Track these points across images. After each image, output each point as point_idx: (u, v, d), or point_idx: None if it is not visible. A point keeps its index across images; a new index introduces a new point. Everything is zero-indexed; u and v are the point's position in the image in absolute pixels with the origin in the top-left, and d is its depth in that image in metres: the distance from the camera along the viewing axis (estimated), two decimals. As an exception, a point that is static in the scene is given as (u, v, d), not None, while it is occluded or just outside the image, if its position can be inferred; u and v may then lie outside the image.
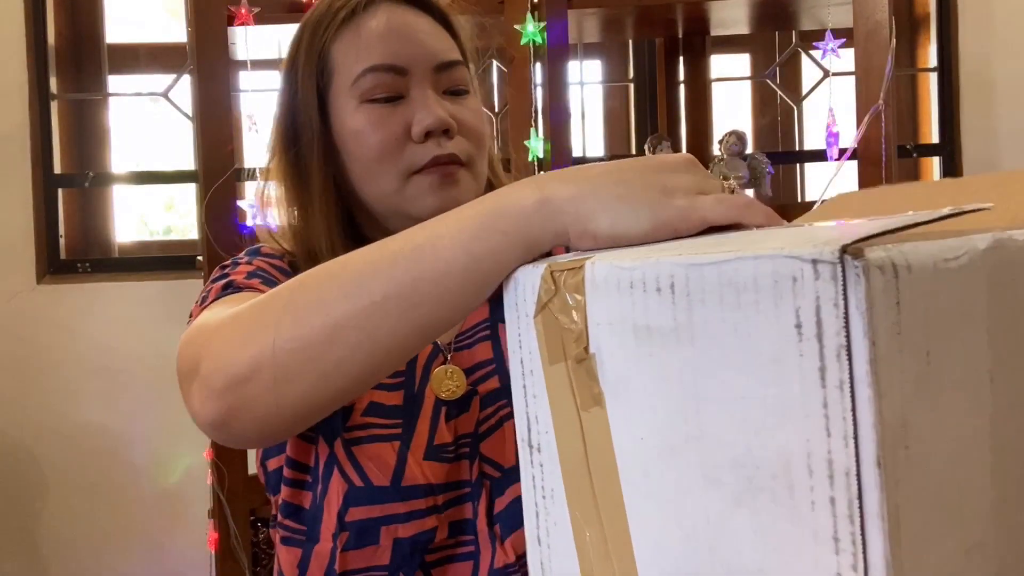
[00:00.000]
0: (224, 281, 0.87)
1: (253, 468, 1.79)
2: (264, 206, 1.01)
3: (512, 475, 0.90)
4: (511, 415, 0.90)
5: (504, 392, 0.93)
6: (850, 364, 0.34)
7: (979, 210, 0.41)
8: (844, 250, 0.34)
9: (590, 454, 0.48)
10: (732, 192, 0.56)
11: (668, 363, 0.42)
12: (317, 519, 0.87)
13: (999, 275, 0.39)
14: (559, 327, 0.48)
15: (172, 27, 2.68)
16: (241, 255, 0.95)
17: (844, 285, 0.34)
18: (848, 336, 0.34)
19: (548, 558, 0.52)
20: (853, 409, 0.34)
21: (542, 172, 2.01)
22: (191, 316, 0.86)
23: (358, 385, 0.66)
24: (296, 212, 0.96)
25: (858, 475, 0.34)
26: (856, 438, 0.34)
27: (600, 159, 2.61)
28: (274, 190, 0.99)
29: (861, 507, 0.34)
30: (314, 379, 0.64)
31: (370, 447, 0.87)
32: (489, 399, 0.92)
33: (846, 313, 0.34)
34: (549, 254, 0.59)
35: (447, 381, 0.91)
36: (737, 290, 0.38)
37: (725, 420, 0.39)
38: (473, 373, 0.93)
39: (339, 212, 0.94)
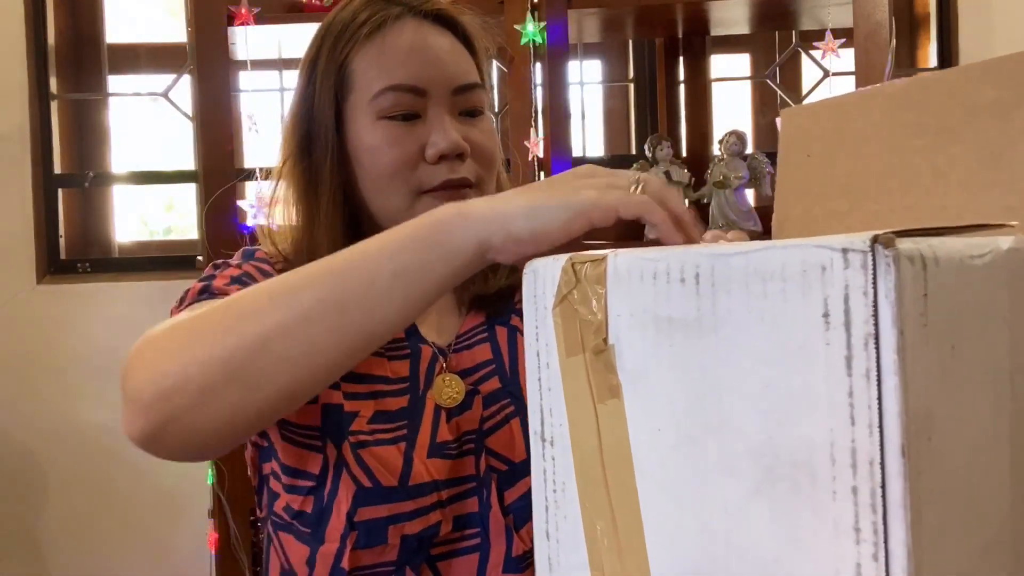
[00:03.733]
0: (203, 284, 0.87)
1: (255, 468, 1.79)
2: (271, 204, 1.01)
3: (523, 469, 0.92)
4: (516, 413, 0.93)
5: (505, 392, 0.95)
6: (877, 353, 0.34)
7: (1003, 226, 0.42)
8: (875, 239, 0.34)
9: (604, 446, 0.48)
10: (639, 184, 0.62)
11: (689, 353, 0.42)
12: (322, 522, 0.88)
13: (1019, 277, 0.40)
14: (578, 319, 0.49)
15: (172, 27, 2.67)
16: (235, 256, 0.95)
17: (874, 274, 0.34)
18: (876, 325, 0.34)
19: (556, 552, 0.52)
20: (879, 398, 0.34)
21: (541, 173, 2.02)
22: (171, 315, 0.86)
23: (284, 399, 0.68)
24: (301, 217, 0.96)
25: (882, 464, 0.34)
26: (881, 427, 0.34)
27: (600, 159, 2.61)
28: (281, 190, 0.99)
29: (884, 496, 0.34)
30: (241, 390, 0.66)
31: (377, 450, 0.88)
32: (491, 399, 0.94)
33: (875, 302, 0.34)
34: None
35: (446, 389, 0.93)
36: (763, 279, 0.38)
37: (746, 409, 0.39)
38: (474, 374, 0.95)
39: (344, 223, 0.94)
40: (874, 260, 0.34)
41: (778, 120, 0.80)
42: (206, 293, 0.86)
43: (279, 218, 1.00)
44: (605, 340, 0.47)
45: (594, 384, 0.48)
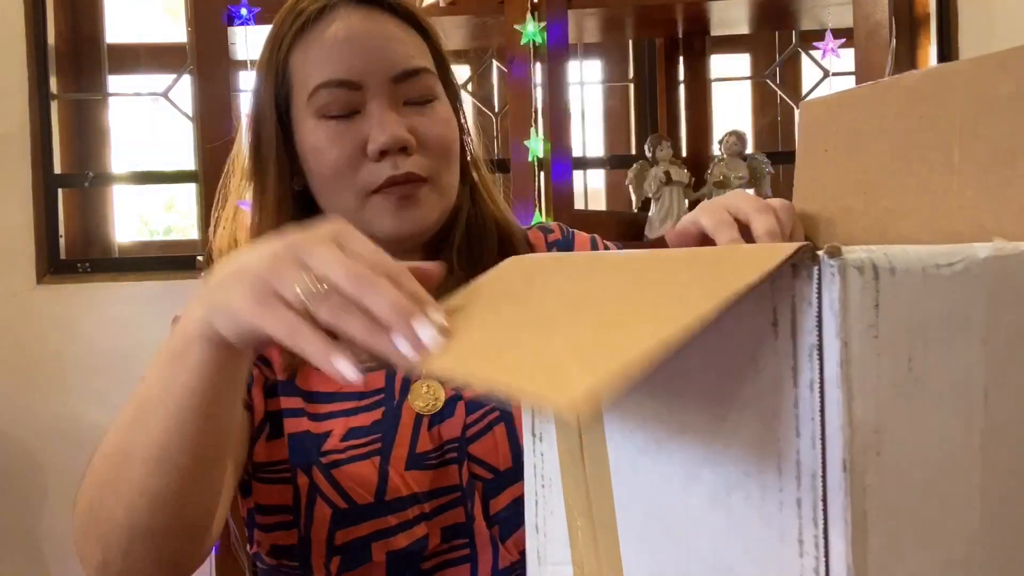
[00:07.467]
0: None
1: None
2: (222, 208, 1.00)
3: (508, 476, 0.89)
4: (500, 419, 0.90)
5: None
6: (821, 364, 0.33)
7: None
8: (823, 249, 0.33)
9: (585, 446, 0.48)
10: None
11: None
12: (307, 552, 0.85)
13: (1001, 287, 0.38)
14: None
15: (172, 27, 2.68)
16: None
17: (819, 284, 0.33)
18: (820, 336, 0.33)
19: (544, 546, 0.52)
20: (822, 410, 0.33)
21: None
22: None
23: (180, 522, 0.67)
24: (252, 219, 0.94)
25: (824, 478, 0.33)
26: (824, 439, 0.33)
27: (600, 159, 2.61)
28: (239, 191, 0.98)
29: (825, 510, 0.33)
30: (144, 541, 0.66)
31: (350, 467, 0.85)
32: (475, 404, 0.90)
33: (819, 312, 0.33)
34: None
35: (425, 395, 0.89)
36: None
37: (706, 417, 0.39)
38: None
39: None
40: (820, 270, 0.33)
41: (797, 113, 0.78)
42: None
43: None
44: None
45: None
